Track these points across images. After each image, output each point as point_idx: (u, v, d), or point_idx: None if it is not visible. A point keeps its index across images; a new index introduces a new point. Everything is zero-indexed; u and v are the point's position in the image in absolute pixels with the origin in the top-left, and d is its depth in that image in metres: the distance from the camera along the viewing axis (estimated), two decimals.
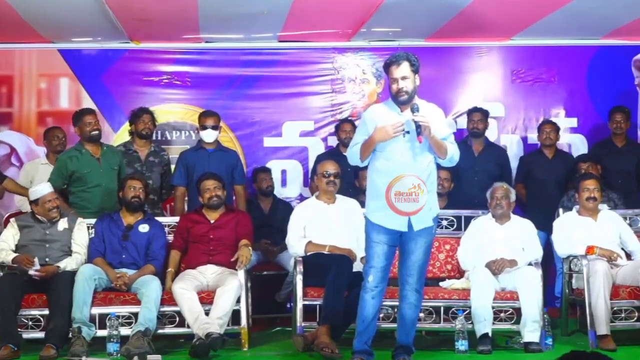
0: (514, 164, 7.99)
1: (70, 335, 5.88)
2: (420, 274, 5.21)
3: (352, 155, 5.25)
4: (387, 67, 5.17)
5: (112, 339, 5.83)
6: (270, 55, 8.12)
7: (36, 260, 6.05)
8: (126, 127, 7.54)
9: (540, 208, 7.37)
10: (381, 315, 5.96)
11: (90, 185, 6.72)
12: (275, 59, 8.12)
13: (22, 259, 6.07)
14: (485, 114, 7.59)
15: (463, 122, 7.85)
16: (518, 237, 6.45)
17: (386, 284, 5.28)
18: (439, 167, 7.07)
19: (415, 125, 5.01)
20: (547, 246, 7.00)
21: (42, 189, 6.33)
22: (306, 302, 6.10)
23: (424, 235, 5.18)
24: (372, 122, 5.17)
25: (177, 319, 6.06)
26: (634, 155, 7.63)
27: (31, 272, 6.03)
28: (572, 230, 6.52)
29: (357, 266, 6.12)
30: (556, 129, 7.66)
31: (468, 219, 6.75)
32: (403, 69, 5.09)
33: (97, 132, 6.80)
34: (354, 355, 5.29)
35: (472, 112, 7.62)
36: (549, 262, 7.25)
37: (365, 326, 5.25)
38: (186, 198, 7.15)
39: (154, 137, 7.66)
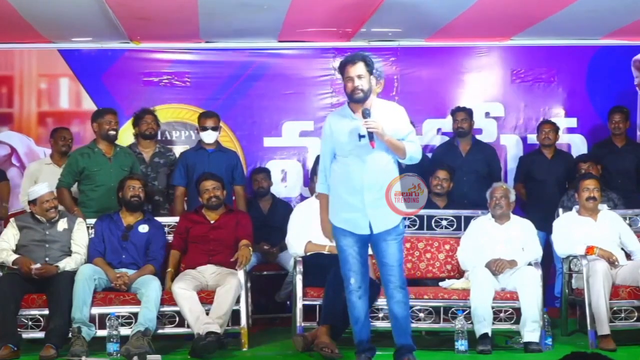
0: (513, 164, 8.01)
1: (70, 335, 5.88)
2: (400, 271, 5.22)
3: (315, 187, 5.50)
4: (342, 67, 5.18)
5: (112, 339, 5.84)
6: (270, 56, 8.12)
7: (32, 266, 6.05)
8: (126, 127, 7.55)
9: (539, 208, 7.38)
10: (380, 315, 5.98)
11: (98, 184, 6.75)
12: (275, 59, 8.12)
13: (23, 263, 6.08)
14: (469, 112, 7.60)
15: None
16: (518, 237, 6.46)
17: (368, 279, 5.31)
18: (442, 167, 7.15)
19: (367, 131, 5.04)
20: (547, 246, 7.00)
21: (40, 189, 6.33)
22: (306, 302, 6.11)
23: (393, 234, 5.19)
24: (329, 131, 5.24)
25: (177, 319, 6.07)
26: (634, 155, 7.64)
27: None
28: (572, 230, 6.52)
29: None
30: (555, 129, 7.67)
31: (468, 219, 6.75)
32: (359, 68, 5.12)
33: (114, 132, 6.84)
34: (358, 356, 5.33)
35: (455, 111, 7.62)
36: (548, 262, 7.25)
37: (360, 326, 5.29)
38: (186, 198, 7.15)
39: None
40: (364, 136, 5.08)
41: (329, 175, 5.29)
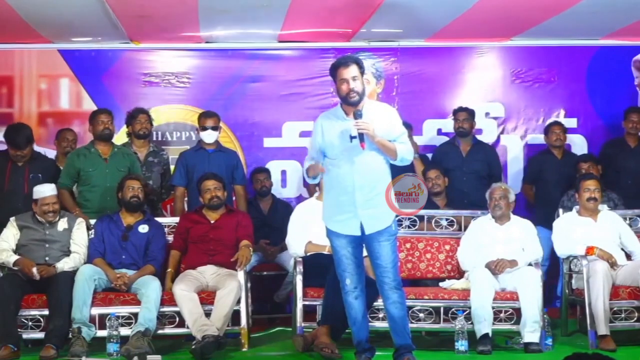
0: (513, 164, 8.02)
1: (70, 336, 5.89)
2: (394, 272, 5.21)
3: (304, 174, 5.38)
4: (334, 69, 5.17)
5: (112, 339, 5.84)
6: (270, 56, 8.12)
7: (34, 270, 6.04)
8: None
9: (550, 207, 7.31)
10: (380, 315, 5.98)
11: (94, 185, 6.74)
12: (275, 59, 8.12)
13: (24, 264, 6.08)
14: (471, 113, 7.60)
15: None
16: (518, 237, 6.45)
17: (364, 279, 5.31)
18: (429, 167, 7.17)
19: (358, 132, 5.04)
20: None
21: (45, 190, 6.32)
22: (306, 302, 6.11)
23: (385, 234, 5.18)
24: (321, 132, 5.24)
25: (177, 319, 6.06)
26: None
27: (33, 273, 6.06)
28: (572, 231, 6.52)
29: None
30: (564, 129, 7.68)
31: (468, 219, 6.76)
32: (352, 70, 5.11)
33: (107, 131, 6.81)
34: (357, 356, 5.34)
35: (457, 111, 7.63)
36: (556, 261, 7.22)
37: (358, 327, 5.31)
38: (186, 198, 7.16)
39: (154, 138, 7.69)
40: (355, 137, 5.07)
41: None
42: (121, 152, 6.92)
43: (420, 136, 8.04)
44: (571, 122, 8.16)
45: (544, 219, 6.98)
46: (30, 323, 5.99)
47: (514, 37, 7.99)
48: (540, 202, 7.59)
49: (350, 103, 5.14)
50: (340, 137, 5.14)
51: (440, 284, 6.47)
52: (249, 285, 6.34)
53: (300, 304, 6.09)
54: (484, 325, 5.96)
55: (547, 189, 7.57)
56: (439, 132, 8.13)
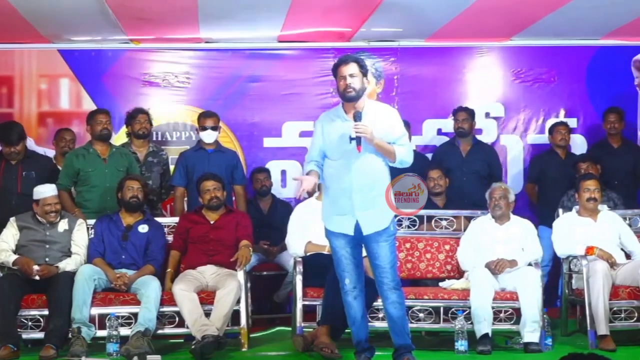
0: (513, 164, 8.01)
1: (70, 336, 5.89)
2: (393, 272, 5.21)
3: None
4: (335, 68, 5.22)
5: (111, 339, 5.84)
6: (270, 56, 8.12)
7: (34, 268, 6.04)
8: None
9: (553, 207, 7.30)
10: (380, 315, 5.98)
11: (93, 185, 6.75)
12: (275, 59, 8.12)
13: (24, 263, 6.08)
14: (470, 113, 7.60)
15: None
16: (518, 237, 6.46)
17: (364, 280, 5.31)
18: (432, 167, 7.18)
19: (356, 135, 5.05)
20: None
21: (46, 190, 6.32)
22: (306, 302, 6.11)
23: (384, 235, 5.18)
24: (320, 131, 5.26)
25: (177, 319, 6.07)
26: (630, 155, 7.63)
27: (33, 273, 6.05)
28: (572, 231, 6.52)
29: None
30: (569, 129, 7.69)
31: (468, 219, 6.76)
32: (351, 68, 5.16)
33: (106, 131, 6.84)
34: (357, 356, 5.35)
35: (457, 111, 7.63)
36: (560, 263, 7.21)
37: (357, 326, 5.32)
38: (186, 198, 7.16)
39: (153, 138, 7.69)
40: (354, 139, 5.08)
41: (314, 167, 5.28)
42: (119, 152, 6.94)
43: (420, 136, 8.04)
44: (571, 122, 8.14)
45: (546, 219, 6.98)
46: (30, 323, 6.00)
47: (513, 36, 7.99)
48: (544, 202, 7.59)
49: (347, 99, 5.16)
50: (340, 138, 5.15)
51: (440, 284, 6.47)
52: (248, 285, 6.34)
53: (300, 304, 6.09)
54: (484, 325, 5.96)
55: (550, 189, 7.57)
56: (439, 132, 8.13)
